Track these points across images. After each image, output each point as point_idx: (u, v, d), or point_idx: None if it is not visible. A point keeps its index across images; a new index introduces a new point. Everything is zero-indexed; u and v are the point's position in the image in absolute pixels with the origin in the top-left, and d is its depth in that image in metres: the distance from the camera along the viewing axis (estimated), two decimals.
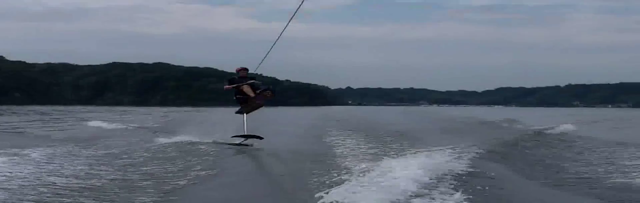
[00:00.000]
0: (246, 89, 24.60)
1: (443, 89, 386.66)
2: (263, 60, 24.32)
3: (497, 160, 19.44)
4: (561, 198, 13.65)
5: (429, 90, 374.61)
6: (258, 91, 24.85)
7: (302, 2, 15.38)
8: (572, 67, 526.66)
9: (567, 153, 24.62)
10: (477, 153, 19.49)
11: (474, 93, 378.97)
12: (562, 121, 52.89)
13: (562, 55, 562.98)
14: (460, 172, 13.49)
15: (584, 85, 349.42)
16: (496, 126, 48.85)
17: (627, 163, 20.31)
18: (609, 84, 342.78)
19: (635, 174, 17.51)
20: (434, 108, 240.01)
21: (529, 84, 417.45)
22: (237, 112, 25.53)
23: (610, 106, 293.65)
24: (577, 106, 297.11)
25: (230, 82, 25.01)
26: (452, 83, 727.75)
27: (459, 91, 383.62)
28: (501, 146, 24.78)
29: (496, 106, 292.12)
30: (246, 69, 25.38)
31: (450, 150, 19.83)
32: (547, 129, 39.27)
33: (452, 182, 12.02)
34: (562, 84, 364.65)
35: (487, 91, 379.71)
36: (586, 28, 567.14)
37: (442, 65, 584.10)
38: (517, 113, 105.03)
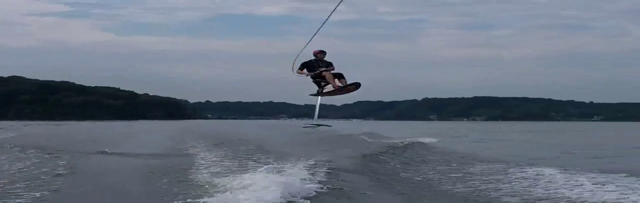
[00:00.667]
0: (328, 76, 23.28)
1: (301, 103, 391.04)
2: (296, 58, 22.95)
3: (353, 172, 19.98)
4: None
5: (288, 104, 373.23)
6: (344, 85, 23.52)
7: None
8: (429, 81, 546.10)
9: (422, 166, 25.54)
10: (333, 166, 19.88)
11: (333, 106, 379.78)
12: (420, 134, 55.77)
13: (419, 69, 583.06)
14: (316, 186, 13.71)
15: (440, 99, 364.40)
16: (355, 140, 49.81)
17: (477, 177, 21.48)
18: (464, 98, 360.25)
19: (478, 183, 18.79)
20: (293, 121, 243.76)
21: (387, 98, 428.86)
22: (313, 94, 24.37)
23: (465, 119, 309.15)
24: (433, 119, 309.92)
25: (306, 66, 23.52)
26: (312, 97, 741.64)
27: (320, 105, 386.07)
28: (359, 159, 25.30)
29: (354, 120, 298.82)
30: (324, 52, 23.75)
31: (308, 164, 20.01)
32: (405, 141, 40.66)
33: (309, 196, 12.26)
34: (419, 98, 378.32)
35: (346, 104, 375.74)
36: (442, 43, 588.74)
37: (302, 79, 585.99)
38: (376, 126, 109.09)
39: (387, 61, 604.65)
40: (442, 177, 20.91)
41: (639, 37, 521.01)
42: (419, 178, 20.62)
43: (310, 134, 59.81)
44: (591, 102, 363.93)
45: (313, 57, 23.48)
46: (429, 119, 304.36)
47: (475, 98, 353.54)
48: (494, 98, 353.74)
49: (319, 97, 24.06)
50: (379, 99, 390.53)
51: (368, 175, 20.34)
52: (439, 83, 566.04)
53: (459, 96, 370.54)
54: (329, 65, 23.50)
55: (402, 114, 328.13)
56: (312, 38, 20.79)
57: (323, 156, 23.57)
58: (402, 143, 39.11)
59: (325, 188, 14.02)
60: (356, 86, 23.60)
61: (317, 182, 14.92)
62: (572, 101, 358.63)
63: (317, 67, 23.36)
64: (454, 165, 25.35)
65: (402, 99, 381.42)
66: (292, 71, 23.32)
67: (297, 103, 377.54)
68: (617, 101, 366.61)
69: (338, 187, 15.03)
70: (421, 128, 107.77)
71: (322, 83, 23.65)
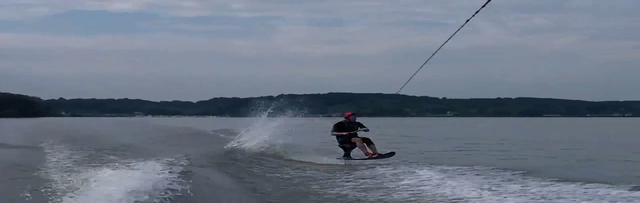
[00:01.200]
0: (359, 144, 24.54)
1: (158, 100, 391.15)
2: (408, 81, 22.94)
3: (209, 169, 20.46)
4: None
5: (143, 101, 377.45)
6: (383, 154, 24.60)
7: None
8: (285, 78, 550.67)
9: (273, 163, 25.88)
10: (189, 163, 20.04)
11: (189, 103, 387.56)
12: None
13: (275, 66, 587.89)
14: (170, 185, 13.86)
15: (296, 95, 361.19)
16: (211, 137, 51.23)
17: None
18: (319, 94, 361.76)
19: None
20: (149, 118, 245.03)
21: (243, 94, 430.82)
22: (340, 158, 25.42)
23: (320, 115, 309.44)
24: (289, 115, 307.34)
25: (338, 127, 24.99)
26: (167, 93, 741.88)
27: (174, 101, 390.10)
28: (214, 156, 25.75)
29: (211, 117, 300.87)
30: (355, 115, 25.44)
31: (163, 161, 19.89)
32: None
33: (162, 195, 12.40)
34: (275, 95, 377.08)
35: (202, 101, 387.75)
36: (296, 40, 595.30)
37: (157, 76, 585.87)
38: (233, 122, 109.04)
39: (243, 57, 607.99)
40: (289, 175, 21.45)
41: (490, 34, 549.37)
42: (271, 175, 21.15)
43: (166, 131, 61.25)
44: (444, 98, 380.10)
45: (345, 119, 25.36)
46: (291, 115, 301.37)
47: (330, 94, 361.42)
48: (349, 94, 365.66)
49: (345, 161, 25.05)
50: (235, 96, 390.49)
51: (223, 173, 20.67)
52: (295, 80, 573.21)
53: (315, 93, 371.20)
54: (359, 126, 25.07)
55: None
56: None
57: (177, 154, 23.45)
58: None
59: (176, 185, 14.08)
60: (390, 155, 24.80)
61: (169, 179, 14.80)
62: (426, 97, 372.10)
63: (348, 130, 24.94)
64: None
65: (258, 96, 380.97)
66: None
67: (152, 100, 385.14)
68: (469, 97, 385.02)
69: (191, 184, 15.02)
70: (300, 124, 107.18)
71: (348, 147, 25.08)
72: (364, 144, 24.59)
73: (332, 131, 25.09)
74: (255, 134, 36.40)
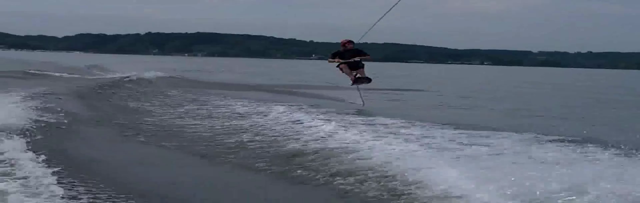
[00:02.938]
0: (345, 70, 24.86)
1: (21, 34, 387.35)
2: (366, 33, 23.75)
3: (72, 106, 20.15)
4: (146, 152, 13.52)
5: (4, 34, 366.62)
6: (357, 77, 25.01)
7: None
8: (153, 16, 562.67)
9: (146, 100, 25.87)
10: (55, 100, 20.11)
11: (54, 38, 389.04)
12: (147, 68, 55.09)
13: (142, 3, 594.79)
14: (26, 120, 14.28)
15: (162, 34, 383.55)
16: (82, 73, 50.56)
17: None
18: (186, 33, 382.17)
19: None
20: (12, 52, 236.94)
21: (110, 31, 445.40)
22: (351, 84, 25.71)
23: (186, 54, 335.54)
24: (155, 54, 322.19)
25: (333, 55, 24.90)
26: (31, 28, 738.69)
27: (39, 36, 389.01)
28: (83, 93, 25.50)
29: (75, 52, 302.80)
30: (351, 42, 24.81)
31: (20, 96, 20.03)
32: (132, 76, 41.50)
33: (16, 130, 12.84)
34: (142, 32, 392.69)
35: (67, 36, 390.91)
36: None
37: (21, 9, 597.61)
38: (99, 59, 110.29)
39: None
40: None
41: None
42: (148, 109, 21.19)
43: (29, 64, 59.68)
44: (311, 41, 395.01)
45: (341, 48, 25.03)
46: (151, 54, 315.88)
47: (198, 33, 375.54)
48: (216, 34, 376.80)
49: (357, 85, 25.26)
50: (102, 32, 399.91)
51: (89, 110, 20.19)
52: (162, 18, 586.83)
53: (182, 32, 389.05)
54: (359, 52, 25.02)
55: (124, 49, 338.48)
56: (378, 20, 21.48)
57: (40, 89, 23.42)
58: (128, 77, 39.70)
59: (36, 122, 14.05)
60: (368, 80, 25.14)
61: (28, 116, 14.62)
62: (293, 39, 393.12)
63: (345, 57, 24.84)
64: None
65: (125, 33, 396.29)
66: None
67: (15, 34, 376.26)
68: (336, 41, 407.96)
69: (53, 120, 15.06)
70: (145, 62, 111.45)
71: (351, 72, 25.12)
72: (349, 70, 24.81)
73: (329, 59, 25.18)
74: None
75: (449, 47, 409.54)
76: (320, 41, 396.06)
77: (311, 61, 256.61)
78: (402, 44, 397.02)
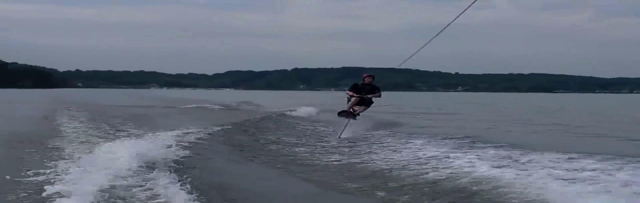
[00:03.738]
0: (353, 100, 24.96)
1: (173, 72, 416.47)
2: (411, 56, 22.68)
3: (224, 142, 19.80)
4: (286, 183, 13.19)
5: (158, 73, 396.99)
6: (352, 110, 25.01)
7: None
8: (299, 52, 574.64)
9: (295, 136, 24.81)
10: (202, 136, 19.76)
11: (204, 76, 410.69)
12: (300, 103, 55.35)
13: (288, 40, 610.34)
14: (178, 155, 14.11)
15: (309, 69, 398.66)
16: (234, 109, 49.97)
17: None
18: (332, 68, 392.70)
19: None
20: (165, 91, 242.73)
21: (258, 68, 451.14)
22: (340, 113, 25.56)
23: (333, 89, 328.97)
24: (302, 89, 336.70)
25: (353, 88, 25.19)
26: (182, 66, 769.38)
27: (189, 74, 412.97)
28: (233, 128, 24.88)
29: (226, 89, 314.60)
30: (372, 77, 25.15)
31: (176, 133, 19.99)
32: (286, 111, 41.30)
33: (173, 165, 12.77)
34: (289, 68, 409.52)
35: (217, 74, 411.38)
36: (308, 14, 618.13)
37: (172, 48, 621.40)
38: (249, 95, 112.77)
39: (255, 31, 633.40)
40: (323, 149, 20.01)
41: (501, 9, 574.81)
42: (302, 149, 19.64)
43: (184, 102, 59.18)
44: (456, 73, 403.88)
45: (361, 81, 24.96)
46: (299, 89, 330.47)
47: (343, 68, 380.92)
48: (362, 68, 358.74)
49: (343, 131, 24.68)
50: (250, 69, 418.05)
51: (239, 145, 19.68)
52: (309, 54, 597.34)
53: (328, 67, 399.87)
54: (374, 89, 24.95)
55: (272, 84, 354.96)
56: (424, 45, 19.52)
57: (195, 127, 22.99)
58: (286, 112, 39.76)
59: (186, 157, 14.17)
60: (354, 117, 25.14)
61: (179, 150, 14.71)
62: (439, 72, 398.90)
63: (361, 91, 24.88)
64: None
65: (273, 70, 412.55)
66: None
67: (167, 72, 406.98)
68: (481, 73, 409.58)
69: (204, 156, 15.35)
70: (295, 97, 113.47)
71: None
72: (355, 103, 24.98)
73: (347, 90, 25.22)
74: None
75: (596, 76, 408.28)
76: (464, 72, 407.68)
77: (458, 93, 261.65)
78: (548, 74, 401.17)
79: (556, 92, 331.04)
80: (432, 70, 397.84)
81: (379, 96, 25.05)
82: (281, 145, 20.76)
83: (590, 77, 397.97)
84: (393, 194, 11.55)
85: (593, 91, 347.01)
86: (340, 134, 24.32)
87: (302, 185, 12.84)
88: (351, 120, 25.17)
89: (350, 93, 25.00)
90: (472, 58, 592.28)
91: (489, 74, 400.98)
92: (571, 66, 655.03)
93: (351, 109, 25.07)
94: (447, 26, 15.95)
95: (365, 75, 25.27)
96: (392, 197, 11.29)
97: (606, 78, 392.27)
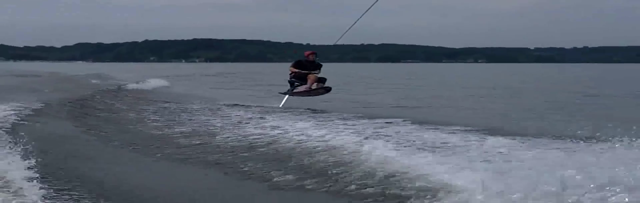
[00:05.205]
0: (312, 78, 24.98)
1: (21, 45, 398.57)
2: (343, 34, 23.92)
3: (72, 117, 19.28)
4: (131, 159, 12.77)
5: (5, 46, 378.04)
6: (317, 88, 25.19)
7: None
8: (149, 24, 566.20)
9: (146, 108, 24.55)
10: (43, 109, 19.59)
11: (53, 48, 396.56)
12: (149, 75, 56.56)
13: (138, 13, 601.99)
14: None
15: (159, 41, 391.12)
16: (81, 82, 47.52)
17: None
18: (183, 40, 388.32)
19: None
20: (11, 63, 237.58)
21: (108, 40, 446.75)
22: (283, 93, 25.80)
23: (183, 60, 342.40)
24: (153, 61, 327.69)
25: (297, 64, 25.31)
26: (30, 38, 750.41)
27: (38, 46, 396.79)
28: (77, 102, 24.13)
29: (77, 62, 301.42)
30: (315, 54, 25.56)
31: (10, 106, 19.09)
32: (136, 83, 41.42)
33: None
34: (139, 40, 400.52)
35: (66, 46, 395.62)
36: None
37: (20, 21, 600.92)
38: (100, 67, 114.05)
39: (105, 2, 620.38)
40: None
41: None
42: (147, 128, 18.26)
43: (31, 77, 57.39)
44: (308, 44, 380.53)
45: (304, 58, 25.33)
46: (150, 61, 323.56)
47: (194, 40, 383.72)
48: (213, 40, 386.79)
49: (287, 96, 25.24)
50: (100, 42, 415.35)
51: (88, 118, 19.62)
52: (159, 26, 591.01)
53: (179, 39, 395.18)
54: (318, 67, 25.33)
55: (123, 56, 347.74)
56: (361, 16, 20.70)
57: (35, 99, 22.18)
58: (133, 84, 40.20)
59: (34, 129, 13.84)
60: (326, 90, 25.27)
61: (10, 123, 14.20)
62: (291, 42, 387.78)
63: (306, 68, 25.16)
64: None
65: (123, 42, 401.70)
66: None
67: (15, 45, 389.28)
68: (332, 43, 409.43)
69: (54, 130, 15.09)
70: (144, 69, 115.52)
71: (296, 84, 25.47)
72: (314, 81, 25.08)
73: (291, 66, 25.41)
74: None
75: (445, 46, 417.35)
76: (317, 43, 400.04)
77: None
78: (399, 45, 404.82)
79: (403, 62, 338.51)
80: (284, 41, 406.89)
81: (319, 73, 25.46)
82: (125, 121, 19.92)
83: (439, 47, 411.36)
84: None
85: (439, 61, 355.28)
86: (282, 104, 24.95)
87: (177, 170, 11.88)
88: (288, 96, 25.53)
89: (296, 70, 25.34)
90: (325, 29, 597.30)
91: (341, 45, 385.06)
92: (421, 36, 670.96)
93: (312, 87, 25.21)
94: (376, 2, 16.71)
95: (308, 52, 25.85)
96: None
97: (455, 48, 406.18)
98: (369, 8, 18.70)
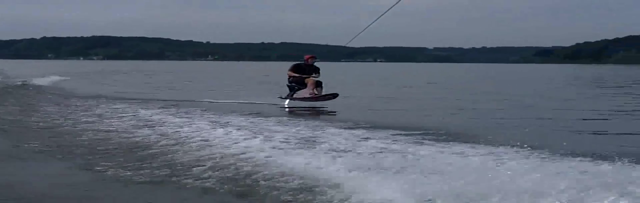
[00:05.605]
0: (310, 82, 24.89)
1: None
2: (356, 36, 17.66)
3: None
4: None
5: None
6: (322, 94, 25.08)
7: None
8: (48, 19, 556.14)
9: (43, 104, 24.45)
10: None
11: None
12: (47, 72, 56.86)
13: (34, 7, 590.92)
14: None
15: (58, 38, 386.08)
16: None
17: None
18: (82, 37, 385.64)
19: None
20: None
21: (5, 36, 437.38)
22: (283, 97, 25.49)
23: (82, 58, 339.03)
24: (51, 58, 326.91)
25: (296, 68, 25.19)
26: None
27: None
28: None
29: None
30: (315, 58, 25.63)
31: None
32: (32, 80, 41.87)
33: None
34: (37, 37, 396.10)
35: None
36: None
37: None
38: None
39: None
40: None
41: None
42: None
43: None
44: (208, 42, 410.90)
45: (303, 61, 25.41)
46: (47, 58, 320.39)
47: (93, 37, 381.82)
48: (111, 37, 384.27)
49: (288, 100, 25.06)
50: None
51: None
52: (58, 22, 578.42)
53: (78, 35, 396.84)
54: (317, 71, 25.14)
55: (20, 53, 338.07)
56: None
57: None
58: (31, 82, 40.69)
59: None
60: (334, 96, 25.01)
61: None
62: (191, 41, 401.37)
63: (306, 72, 25.02)
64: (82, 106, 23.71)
65: (20, 38, 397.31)
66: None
67: None
68: (234, 42, 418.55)
69: None
70: (42, 66, 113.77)
71: (297, 88, 25.30)
72: (314, 85, 24.89)
73: (289, 70, 25.27)
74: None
75: (345, 46, 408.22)
76: (217, 42, 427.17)
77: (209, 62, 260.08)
78: (301, 43, 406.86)
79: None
80: (184, 39, 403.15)
81: (318, 76, 25.27)
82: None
83: (339, 46, 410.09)
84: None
85: (339, 60, 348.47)
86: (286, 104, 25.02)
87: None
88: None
89: (295, 74, 25.19)
90: (224, 27, 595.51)
91: (241, 44, 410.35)
92: (322, 35, 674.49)
93: (314, 93, 25.05)
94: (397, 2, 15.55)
95: (308, 56, 25.71)
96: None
97: (355, 47, 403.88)
98: (389, 9, 16.55)
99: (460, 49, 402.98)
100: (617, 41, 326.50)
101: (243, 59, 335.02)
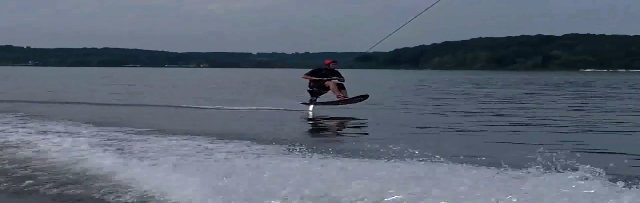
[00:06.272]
0: (333, 86, 24.49)
1: None
2: (379, 42, 21.21)
3: None
4: None
5: None
6: (350, 97, 24.71)
7: None
8: None
9: None
10: None
11: None
12: None
13: None
14: None
15: None
16: None
17: None
18: None
19: None
20: None
21: None
22: (306, 103, 25.03)
23: None
24: None
25: (314, 73, 24.80)
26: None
27: None
28: None
29: None
30: (336, 62, 25.24)
31: None
32: None
33: None
34: None
35: None
36: None
37: None
38: None
39: None
40: None
41: None
42: None
43: None
44: (28, 47, 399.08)
45: (324, 66, 25.06)
46: None
47: None
48: None
49: (312, 105, 24.67)
50: None
51: None
52: None
53: None
54: (338, 75, 24.83)
55: None
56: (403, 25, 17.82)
57: None
58: None
59: None
60: (364, 97, 24.69)
61: None
62: (10, 46, 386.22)
63: (324, 76, 24.68)
64: None
65: None
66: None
67: None
68: (54, 47, 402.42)
69: None
70: None
71: (322, 92, 24.98)
72: (339, 88, 24.52)
73: (306, 74, 24.88)
74: None
75: (168, 51, 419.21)
76: (37, 46, 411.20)
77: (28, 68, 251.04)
78: (122, 49, 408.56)
79: (125, 66, 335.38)
80: (3, 44, 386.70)
81: (343, 80, 25.18)
82: None
83: (162, 51, 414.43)
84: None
85: (162, 66, 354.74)
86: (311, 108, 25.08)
87: None
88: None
89: (315, 78, 25.07)
90: (46, 32, 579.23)
91: (62, 49, 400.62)
92: (144, 40, 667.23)
93: (342, 96, 25.02)
94: (427, 8, 15.44)
95: (329, 61, 25.61)
96: None
97: (178, 53, 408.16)
98: (424, 11, 16.58)
99: (283, 54, 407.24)
100: (434, 46, 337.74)
101: (63, 65, 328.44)
